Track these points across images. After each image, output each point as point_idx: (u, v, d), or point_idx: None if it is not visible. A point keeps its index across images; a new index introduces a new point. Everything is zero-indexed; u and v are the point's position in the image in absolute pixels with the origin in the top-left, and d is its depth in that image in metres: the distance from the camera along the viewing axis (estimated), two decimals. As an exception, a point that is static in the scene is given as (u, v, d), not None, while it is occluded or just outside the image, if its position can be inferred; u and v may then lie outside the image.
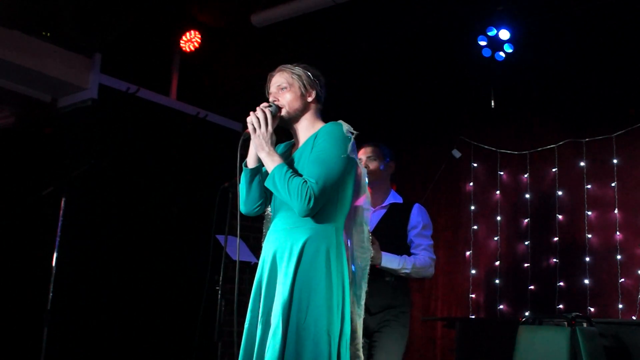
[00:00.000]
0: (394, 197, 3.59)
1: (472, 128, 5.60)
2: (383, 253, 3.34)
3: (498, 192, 5.43)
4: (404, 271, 3.35)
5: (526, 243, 5.20)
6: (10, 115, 5.80)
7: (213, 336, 3.84)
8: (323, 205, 2.42)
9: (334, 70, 6.24)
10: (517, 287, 5.18)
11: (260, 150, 2.51)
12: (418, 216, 3.51)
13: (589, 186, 5.00)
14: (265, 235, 2.65)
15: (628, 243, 4.76)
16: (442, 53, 5.64)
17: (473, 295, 5.36)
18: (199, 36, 5.72)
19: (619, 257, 4.76)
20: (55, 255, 4.01)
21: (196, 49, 5.73)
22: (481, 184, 5.54)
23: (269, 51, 6.17)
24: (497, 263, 5.30)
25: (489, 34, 5.12)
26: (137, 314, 5.22)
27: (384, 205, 3.56)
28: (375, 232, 3.46)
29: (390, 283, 3.38)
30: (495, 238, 5.36)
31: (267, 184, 2.50)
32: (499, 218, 5.38)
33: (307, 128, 2.65)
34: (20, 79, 5.23)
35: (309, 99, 2.65)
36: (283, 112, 2.61)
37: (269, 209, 2.70)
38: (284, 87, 2.64)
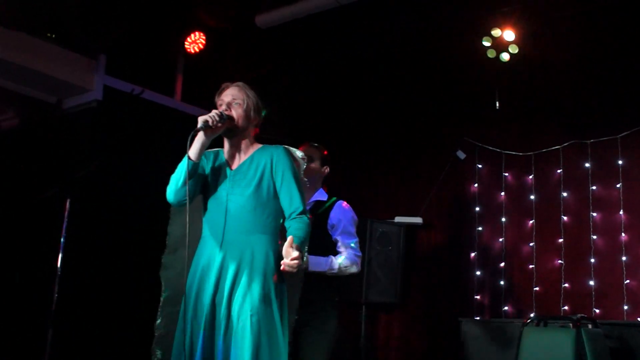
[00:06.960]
0: (319, 195, 3.58)
1: (477, 129, 5.59)
2: (310, 257, 3.32)
3: (503, 193, 5.42)
4: (331, 272, 3.37)
5: (531, 244, 5.19)
6: (15, 116, 5.83)
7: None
8: (276, 215, 2.80)
9: (338, 71, 6.26)
10: (522, 288, 5.17)
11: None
12: (337, 214, 3.49)
13: (594, 187, 4.99)
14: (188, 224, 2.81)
15: (633, 244, 4.74)
16: (447, 54, 5.63)
17: (478, 296, 5.35)
18: (204, 37, 5.72)
19: (624, 258, 4.75)
20: (60, 256, 4.02)
21: (200, 50, 5.73)
22: (486, 185, 5.53)
23: (274, 52, 6.17)
24: (502, 264, 5.29)
25: (494, 35, 5.11)
26: (142, 314, 5.21)
27: (308, 202, 3.52)
28: None
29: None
30: (500, 239, 5.35)
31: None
32: (503, 219, 5.37)
33: (247, 145, 2.92)
34: (25, 80, 5.24)
35: (254, 123, 2.93)
36: (232, 124, 2.86)
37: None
38: (238, 103, 2.88)
